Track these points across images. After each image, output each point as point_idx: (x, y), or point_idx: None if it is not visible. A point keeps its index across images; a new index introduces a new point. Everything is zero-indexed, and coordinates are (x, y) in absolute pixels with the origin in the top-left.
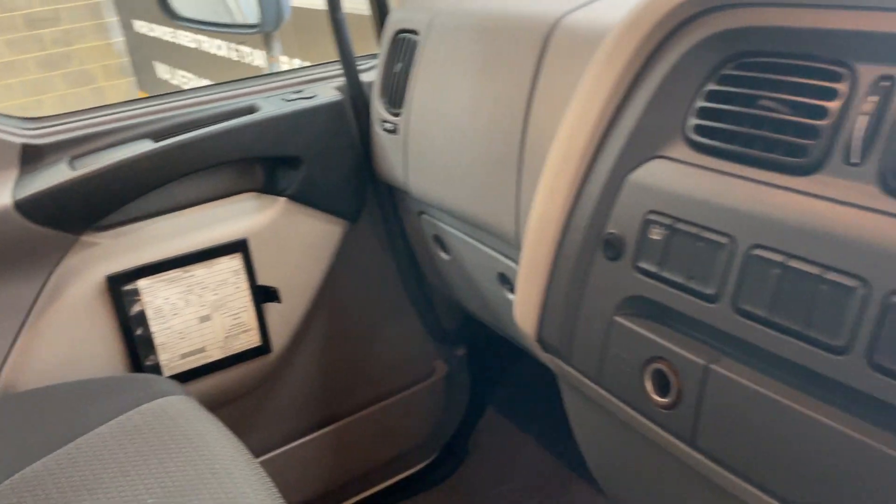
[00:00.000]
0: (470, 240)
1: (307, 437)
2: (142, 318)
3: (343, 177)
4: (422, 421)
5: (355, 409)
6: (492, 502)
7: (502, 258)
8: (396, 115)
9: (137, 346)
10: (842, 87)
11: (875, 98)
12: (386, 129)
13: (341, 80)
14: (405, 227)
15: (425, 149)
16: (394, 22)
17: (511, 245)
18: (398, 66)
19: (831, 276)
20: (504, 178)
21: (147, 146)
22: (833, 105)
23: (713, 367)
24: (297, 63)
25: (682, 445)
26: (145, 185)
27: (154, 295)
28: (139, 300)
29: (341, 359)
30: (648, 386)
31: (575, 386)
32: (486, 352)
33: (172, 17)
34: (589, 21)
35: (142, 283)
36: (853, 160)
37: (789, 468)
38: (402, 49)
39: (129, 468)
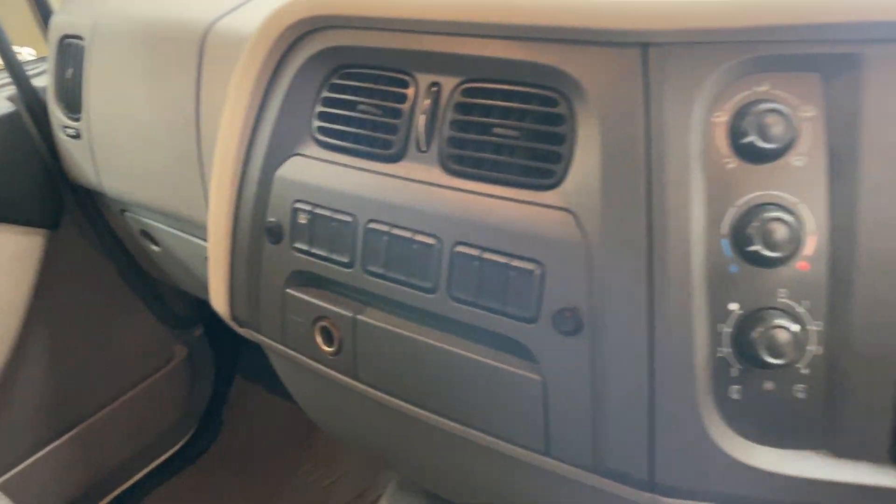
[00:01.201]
0: (174, 231)
1: (50, 447)
2: None
3: (30, 186)
4: (171, 404)
5: (96, 409)
6: (251, 464)
7: (206, 244)
8: (76, 119)
9: None
10: (409, 92)
11: (428, 100)
12: (69, 135)
13: (12, 90)
14: (111, 225)
15: (112, 152)
16: (57, 26)
17: None
18: (69, 72)
19: (419, 237)
20: (189, 174)
21: None
22: (404, 107)
23: (359, 317)
24: None
25: (349, 380)
26: None
27: None
28: None
29: (71, 365)
30: (318, 340)
31: (271, 348)
32: (224, 327)
33: None
34: (236, 27)
35: None
36: (421, 149)
37: (418, 379)
38: (70, 54)
39: None
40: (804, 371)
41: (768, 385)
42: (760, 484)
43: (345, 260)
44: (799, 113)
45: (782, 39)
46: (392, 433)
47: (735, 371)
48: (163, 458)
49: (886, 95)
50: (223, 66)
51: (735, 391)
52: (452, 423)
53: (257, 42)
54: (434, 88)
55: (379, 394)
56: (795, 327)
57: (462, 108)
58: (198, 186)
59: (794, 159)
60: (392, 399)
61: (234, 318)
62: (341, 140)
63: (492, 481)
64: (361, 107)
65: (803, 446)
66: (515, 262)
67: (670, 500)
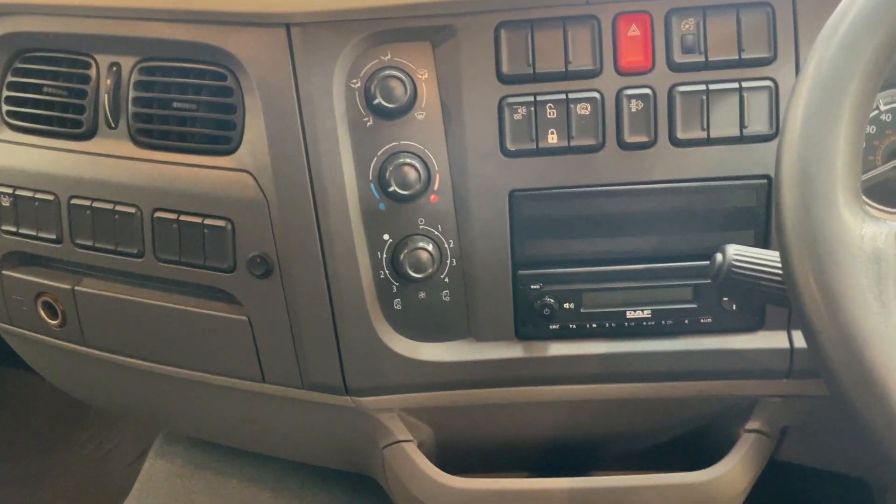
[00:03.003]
0: None
1: None
2: None
3: None
4: None
5: None
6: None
7: None
8: None
9: None
10: (91, 72)
11: (110, 80)
12: None
13: None
14: None
15: None
16: None
17: None
18: None
19: (120, 208)
20: None
21: None
22: (88, 87)
23: (77, 288)
24: None
25: (81, 348)
26: None
27: None
28: None
29: None
30: (43, 314)
31: (3, 331)
32: None
33: None
34: None
35: None
36: (111, 125)
37: (143, 337)
38: None
39: None
40: (446, 280)
41: (421, 295)
42: (426, 372)
43: (53, 237)
44: (417, 76)
45: (396, 16)
46: (138, 391)
47: (394, 288)
48: None
49: (475, 57)
50: None
51: (397, 303)
52: (182, 371)
53: None
54: (114, 68)
55: (112, 356)
56: (432, 247)
57: (143, 85)
58: None
59: (417, 114)
60: (125, 359)
61: None
62: (33, 122)
63: (234, 415)
64: (47, 89)
65: (454, 338)
66: (209, 221)
67: (363, 398)
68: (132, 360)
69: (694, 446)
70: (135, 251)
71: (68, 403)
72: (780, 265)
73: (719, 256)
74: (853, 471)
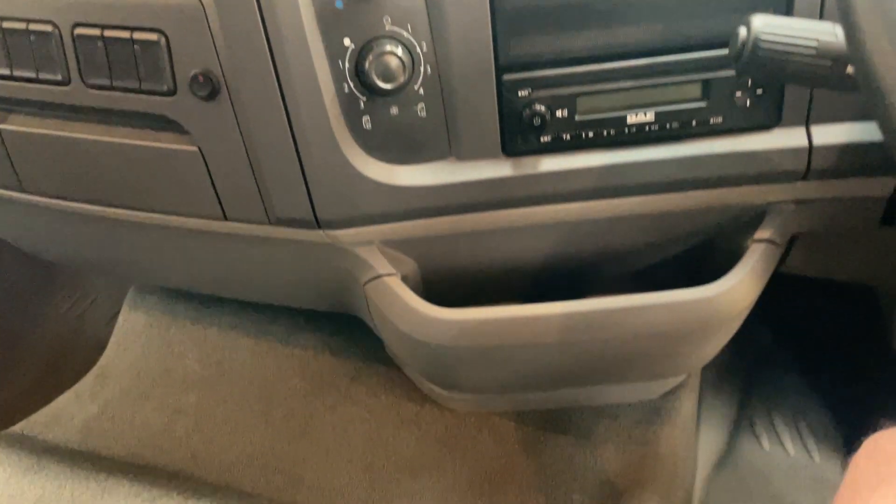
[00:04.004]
0: None
1: None
2: None
3: None
4: None
5: None
6: None
7: None
8: None
9: None
10: None
11: None
12: None
13: None
14: None
15: None
16: None
17: None
18: None
19: (35, 27)
20: None
21: None
22: None
23: (2, 126)
24: None
25: (18, 195)
26: None
27: None
28: None
29: None
30: None
31: None
32: None
33: None
34: None
35: None
36: None
37: (85, 176)
38: None
39: None
40: (420, 91)
41: (393, 110)
42: (404, 199)
43: None
44: None
45: None
46: (97, 241)
47: (362, 103)
48: None
49: None
50: None
51: (367, 121)
52: (136, 213)
53: None
54: None
55: (57, 202)
56: (402, 51)
57: None
58: None
59: None
60: (72, 204)
61: None
62: None
63: (203, 260)
64: None
65: (433, 158)
66: (138, 35)
67: (337, 231)
68: (80, 206)
69: (696, 263)
70: (59, 77)
71: (36, 265)
72: (816, 35)
73: (743, 30)
74: (861, 278)
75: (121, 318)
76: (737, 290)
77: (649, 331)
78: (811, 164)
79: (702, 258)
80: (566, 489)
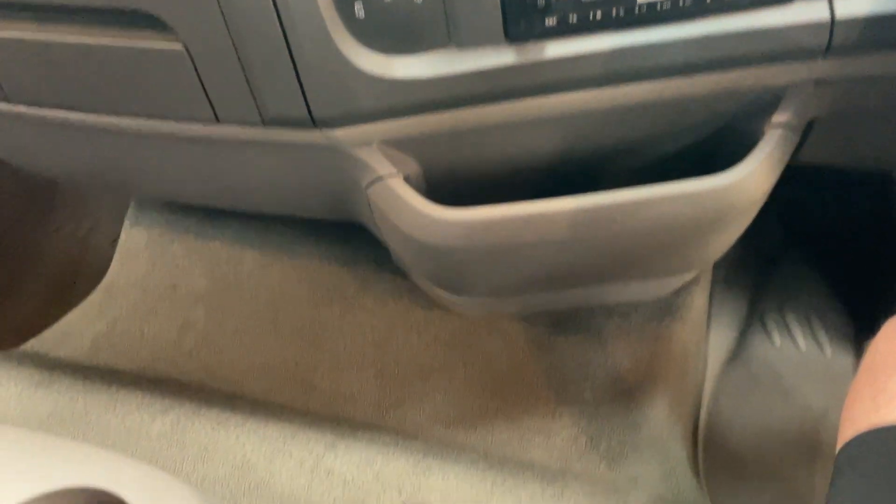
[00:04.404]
0: None
1: None
2: None
3: None
4: None
5: None
6: None
7: None
8: None
9: None
10: None
11: None
12: None
13: None
14: None
15: None
16: None
17: None
18: None
19: None
20: None
21: None
22: None
23: None
24: None
25: (10, 108)
26: None
27: None
28: None
29: None
30: None
31: None
32: None
33: None
34: None
35: None
36: None
37: (70, 83)
38: None
39: None
40: None
41: None
42: (402, 92)
43: None
44: None
45: None
46: (90, 152)
47: None
48: None
49: None
50: None
51: (359, 9)
52: (125, 119)
53: None
54: None
55: (40, 111)
56: None
57: None
58: None
59: None
60: (56, 112)
61: None
62: None
63: (199, 169)
64: None
65: (431, 47)
66: None
67: (334, 130)
68: (68, 114)
69: (709, 156)
70: None
71: (37, 189)
72: None
73: None
74: (879, 164)
75: (123, 235)
76: (752, 177)
77: (662, 224)
78: (832, 39)
79: (714, 150)
80: (577, 387)
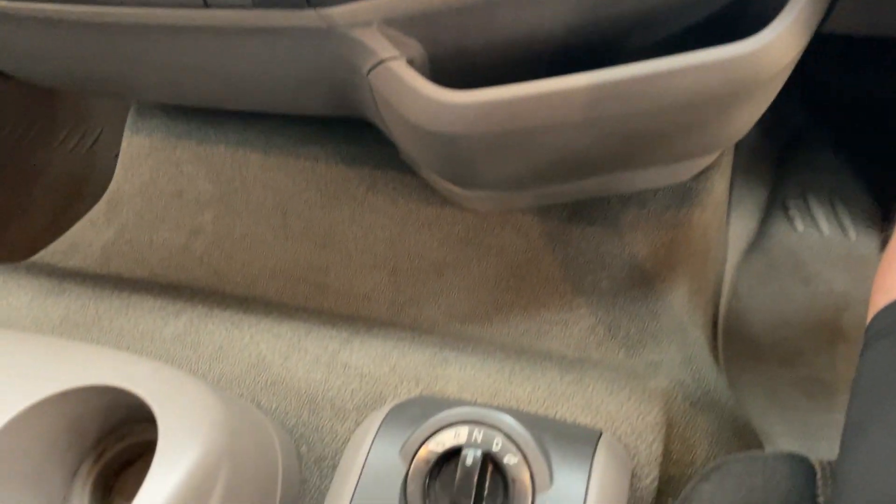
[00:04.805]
0: None
1: None
2: None
3: None
4: None
5: None
6: None
7: None
8: None
9: None
10: None
11: None
12: None
13: None
14: None
15: None
16: None
17: None
18: None
19: None
20: None
21: None
22: None
23: None
24: None
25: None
26: None
27: None
28: None
29: None
30: None
31: None
32: None
33: None
34: None
35: None
36: None
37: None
38: None
39: None
40: None
41: None
42: None
43: None
44: None
45: None
46: (81, 53)
47: None
48: None
49: None
50: None
51: None
52: (110, 9)
53: None
54: None
55: (28, 5)
56: None
57: None
58: None
59: None
60: (39, 5)
61: None
62: None
63: (194, 66)
64: None
65: None
66: None
67: (326, 9)
68: (55, 7)
69: (728, 28)
70: None
71: (38, 105)
72: None
73: None
74: None
75: (124, 143)
76: (781, 40)
77: (685, 98)
78: None
79: (735, 23)
80: (594, 277)
